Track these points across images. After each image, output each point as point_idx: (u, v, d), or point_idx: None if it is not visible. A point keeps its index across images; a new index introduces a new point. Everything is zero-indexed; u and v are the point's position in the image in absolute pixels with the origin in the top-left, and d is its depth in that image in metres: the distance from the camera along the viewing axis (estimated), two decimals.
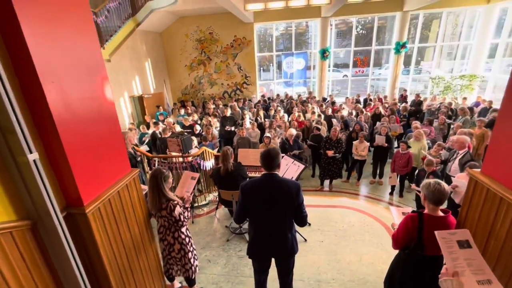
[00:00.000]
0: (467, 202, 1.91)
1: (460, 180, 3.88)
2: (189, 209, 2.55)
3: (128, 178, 2.02)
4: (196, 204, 4.66)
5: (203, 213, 4.51)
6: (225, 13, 10.57)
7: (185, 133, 4.18)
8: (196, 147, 5.69)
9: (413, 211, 2.17)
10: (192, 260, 2.52)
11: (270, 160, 2.05)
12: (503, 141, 1.58)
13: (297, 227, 2.23)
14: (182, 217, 2.37)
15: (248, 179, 3.61)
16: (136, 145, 6.25)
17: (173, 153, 4.37)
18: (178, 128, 6.96)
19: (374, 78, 12.65)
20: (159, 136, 6.13)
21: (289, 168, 3.46)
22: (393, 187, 5.90)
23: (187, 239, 2.50)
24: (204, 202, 4.80)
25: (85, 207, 1.57)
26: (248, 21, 10.67)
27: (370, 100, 9.92)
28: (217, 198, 4.66)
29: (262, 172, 2.14)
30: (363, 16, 11.18)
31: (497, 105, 8.09)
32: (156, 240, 2.53)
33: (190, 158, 4.38)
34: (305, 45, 12.48)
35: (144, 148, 6.49)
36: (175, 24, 11.40)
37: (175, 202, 2.35)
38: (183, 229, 2.47)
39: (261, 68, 13.26)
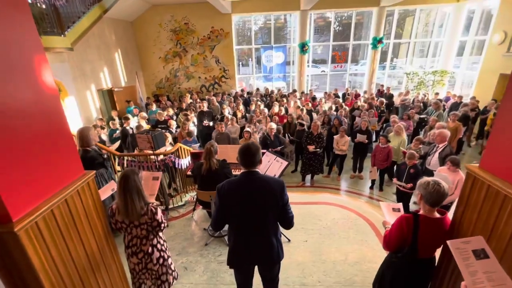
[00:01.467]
0: (463, 200, 1.78)
1: (442, 174, 3.87)
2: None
3: (80, 183, 1.67)
4: (171, 206, 4.30)
5: (179, 215, 4.16)
6: (201, 3, 10.05)
7: (158, 129, 3.79)
8: (171, 143, 5.29)
9: (408, 212, 2.02)
10: (172, 267, 2.32)
11: (249, 156, 1.79)
12: (509, 134, 1.44)
13: (281, 228, 2.01)
14: (163, 218, 2.13)
15: (233, 176, 3.34)
16: (104, 143, 5.73)
17: (146, 151, 3.96)
18: (144, 125, 6.46)
19: (351, 73, 12.79)
20: (131, 132, 5.64)
21: (271, 165, 3.23)
22: (373, 181, 5.93)
23: (165, 244, 2.28)
24: (180, 203, 4.45)
25: (14, 224, 1.22)
26: (226, 11, 10.23)
27: (348, 95, 10.01)
28: (194, 199, 4.34)
29: (241, 171, 1.88)
30: (341, 10, 11.18)
31: (465, 100, 8.49)
32: (123, 256, 2.19)
33: (161, 156, 4.00)
34: (283, 40, 12.30)
35: (114, 146, 5.96)
36: (148, 12, 10.66)
37: (154, 204, 2.09)
38: (161, 234, 2.24)
39: (240, 63, 12.90)
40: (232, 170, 3.99)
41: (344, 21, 13.67)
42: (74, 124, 7.14)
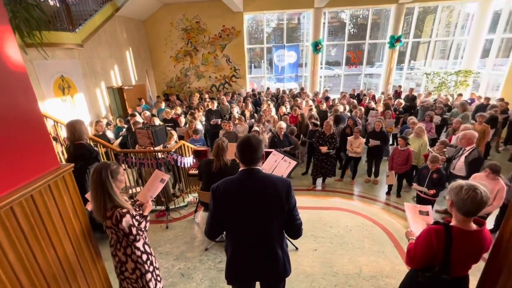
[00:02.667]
0: None
1: (480, 182, 3.46)
2: (148, 218, 1.98)
3: (53, 177, 1.44)
4: (172, 206, 4.08)
5: (180, 217, 3.94)
6: (213, 1, 9.95)
7: (160, 125, 3.59)
8: (175, 141, 5.10)
9: (437, 222, 1.68)
10: (152, 284, 1.95)
11: (250, 150, 1.51)
12: None
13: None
14: (134, 229, 1.79)
15: None
16: (109, 141, 5.61)
17: (147, 148, 3.77)
18: (157, 122, 6.33)
19: (367, 73, 12.29)
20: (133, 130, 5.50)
21: (279, 165, 2.93)
22: (390, 187, 5.50)
23: (144, 257, 1.90)
24: (182, 204, 4.22)
25: None
26: (237, 10, 10.06)
27: (364, 95, 9.56)
28: (197, 200, 4.11)
29: (240, 169, 1.60)
30: (357, 7, 10.75)
31: (492, 102, 7.87)
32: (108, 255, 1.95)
33: (161, 154, 3.79)
34: (296, 40, 11.98)
35: (116, 142, 5.84)
36: (160, 11, 10.65)
37: (124, 210, 1.75)
38: (139, 244, 1.88)
39: (252, 65, 12.67)
40: None
41: (360, 21, 13.22)
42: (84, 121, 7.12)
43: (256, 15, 11.29)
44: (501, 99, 7.47)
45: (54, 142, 4.01)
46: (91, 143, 3.69)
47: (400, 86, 10.47)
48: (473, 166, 4.01)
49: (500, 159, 6.94)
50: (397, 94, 10.00)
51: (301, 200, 4.44)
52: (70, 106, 6.77)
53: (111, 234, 1.83)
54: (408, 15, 10.54)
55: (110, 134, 6.42)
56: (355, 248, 3.15)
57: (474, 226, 1.56)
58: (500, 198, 3.41)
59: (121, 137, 6.04)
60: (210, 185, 2.86)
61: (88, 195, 1.83)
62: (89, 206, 1.87)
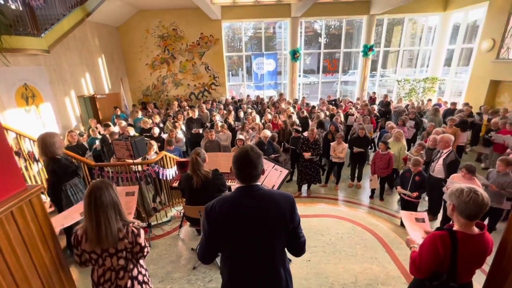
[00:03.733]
0: None
1: (458, 182, 3.60)
2: None
3: (16, 202, 1.21)
4: (154, 222, 3.80)
5: (163, 234, 3.66)
6: (190, 8, 9.80)
7: (139, 136, 3.34)
8: (156, 152, 4.82)
9: (440, 228, 1.66)
10: None
11: (248, 167, 1.36)
12: None
13: None
14: (146, 242, 1.71)
15: (227, 190, 2.89)
16: (85, 150, 5.19)
17: (125, 161, 3.48)
18: (132, 132, 5.99)
19: (343, 80, 12.74)
20: (109, 141, 5.13)
21: (269, 174, 2.83)
22: (373, 190, 5.61)
23: (147, 274, 1.84)
24: (165, 219, 3.95)
25: None
26: (215, 17, 10.00)
27: (341, 101, 9.87)
28: (181, 214, 3.86)
29: (236, 185, 1.46)
30: (332, 18, 11.19)
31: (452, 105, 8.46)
32: None
33: (142, 167, 3.53)
34: (273, 50, 12.17)
35: (88, 155, 5.42)
36: (135, 17, 10.29)
37: (135, 224, 1.65)
38: (142, 261, 1.79)
39: (230, 73, 12.62)
40: (226, 181, 3.57)
41: (331, 31, 13.76)
42: None
43: (233, 24, 11.31)
44: (466, 104, 8.04)
45: (16, 158, 3.59)
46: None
47: (374, 93, 10.94)
48: (451, 168, 4.20)
49: (467, 159, 7.41)
50: (372, 100, 10.43)
51: None
52: (34, 117, 6.20)
53: (118, 260, 1.61)
54: (378, 25, 11.15)
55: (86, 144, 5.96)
56: (349, 256, 3.10)
57: (476, 230, 1.56)
58: None
59: (91, 150, 5.61)
60: (194, 200, 2.72)
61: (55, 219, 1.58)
62: (57, 229, 1.63)
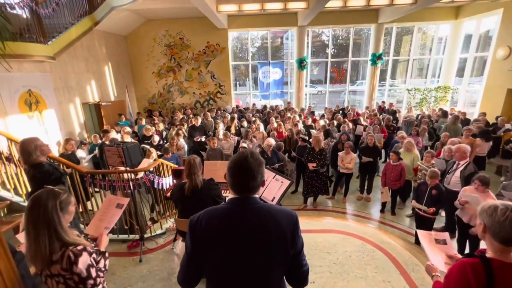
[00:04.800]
0: None
1: (471, 194, 3.25)
2: (106, 255, 1.55)
3: None
4: (148, 235, 3.56)
5: (157, 247, 3.42)
6: (197, 17, 9.87)
7: (133, 141, 3.16)
8: (155, 159, 4.65)
9: (470, 255, 1.37)
10: None
11: (246, 176, 1.13)
12: None
13: None
14: (93, 271, 1.38)
15: (223, 202, 2.65)
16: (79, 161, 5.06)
17: (117, 168, 3.30)
18: (128, 139, 5.86)
19: (350, 90, 12.49)
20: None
21: (270, 185, 2.58)
22: (384, 204, 5.25)
23: None
24: (159, 231, 3.71)
25: None
26: (222, 26, 10.02)
27: (348, 110, 9.59)
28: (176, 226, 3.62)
29: (230, 196, 1.22)
30: (340, 26, 11.06)
31: (469, 116, 8.09)
32: None
33: (140, 174, 3.34)
34: (280, 60, 12.13)
35: (86, 164, 5.29)
36: (142, 27, 10.42)
37: (79, 247, 1.35)
38: None
39: (237, 83, 12.60)
40: (223, 192, 3.33)
41: (339, 42, 13.66)
42: (53, 140, 6.51)
43: (241, 34, 11.33)
44: (483, 113, 7.65)
45: (7, 163, 3.46)
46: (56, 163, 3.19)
47: (383, 102, 10.64)
48: (470, 181, 3.85)
49: (486, 172, 6.96)
50: (381, 110, 10.12)
51: None
52: (37, 123, 6.17)
53: (56, 285, 1.37)
54: (386, 35, 10.96)
55: (81, 153, 5.86)
56: (358, 278, 2.77)
57: None
58: None
59: (92, 156, 5.49)
60: (187, 211, 2.42)
61: (20, 236, 1.38)
62: (23, 247, 1.42)
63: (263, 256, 1.12)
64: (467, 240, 3.52)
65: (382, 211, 5.23)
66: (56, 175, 2.61)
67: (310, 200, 5.57)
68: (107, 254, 1.56)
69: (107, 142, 5.08)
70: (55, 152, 6.36)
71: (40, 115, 6.27)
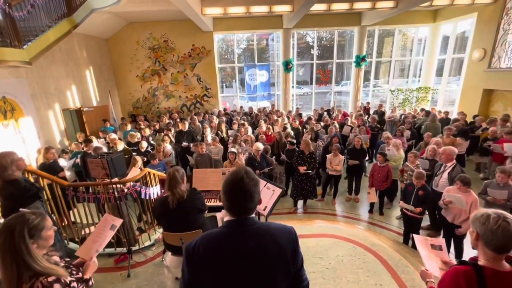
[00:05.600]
0: None
1: (455, 195, 3.35)
2: (90, 282, 1.46)
3: None
4: (135, 248, 3.44)
5: (146, 260, 3.30)
6: (181, 20, 9.71)
7: (117, 152, 3.04)
8: (140, 169, 4.50)
9: (463, 262, 1.39)
10: None
11: (243, 198, 1.10)
12: None
13: None
14: None
15: (206, 211, 2.58)
16: (60, 170, 4.82)
17: (100, 180, 3.16)
18: (121, 146, 5.67)
19: (336, 91, 12.71)
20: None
21: (261, 194, 2.54)
22: (372, 204, 5.34)
23: None
24: (148, 243, 3.59)
25: None
26: (207, 29, 9.92)
27: (334, 112, 9.74)
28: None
29: (226, 218, 1.18)
30: (324, 29, 11.23)
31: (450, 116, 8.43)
32: None
33: (127, 184, 3.21)
34: (266, 62, 12.17)
35: (69, 173, 5.06)
36: (124, 29, 10.13)
37: (51, 278, 1.25)
38: None
39: (224, 84, 12.52)
40: (213, 200, 3.28)
41: (323, 43, 13.89)
42: (31, 148, 6.19)
43: (225, 36, 11.27)
44: (461, 112, 7.97)
45: None
46: (31, 178, 3.01)
47: (368, 103, 10.88)
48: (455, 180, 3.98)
49: (466, 169, 7.25)
50: (366, 110, 10.35)
51: None
52: (13, 132, 5.84)
53: None
54: (369, 37, 11.24)
55: (63, 162, 5.60)
56: (350, 283, 2.79)
57: (507, 266, 1.30)
58: (474, 210, 3.33)
59: (73, 165, 5.26)
60: (173, 225, 2.32)
61: None
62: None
63: (265, 278, 1.10)
64: (452, 239, 3.62)
65: (370, 211, 5.33)
66: (33, 191, 2.46)
67: (300, 202, 5.59)
68: (91, 282, 1.47)
69: (90, 152, 4.86)
70: (33, 161, 6.06)
71: (16, 123, 5.94)
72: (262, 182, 2.63)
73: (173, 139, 6.91)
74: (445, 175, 3.96)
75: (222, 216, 2.44)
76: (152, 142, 6.97)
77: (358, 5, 8.42)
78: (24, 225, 1.23)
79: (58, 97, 7.42)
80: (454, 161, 3.97)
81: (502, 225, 1.23)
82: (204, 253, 1.09)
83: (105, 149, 5.99)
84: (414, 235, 1.95)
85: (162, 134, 7.09)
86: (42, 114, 6.80)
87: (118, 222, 1.82)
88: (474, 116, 7.65)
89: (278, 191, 2.48)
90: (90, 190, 3.25)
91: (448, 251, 3.75)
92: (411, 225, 3.98)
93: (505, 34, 7.81)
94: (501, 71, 7.89)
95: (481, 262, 1.32)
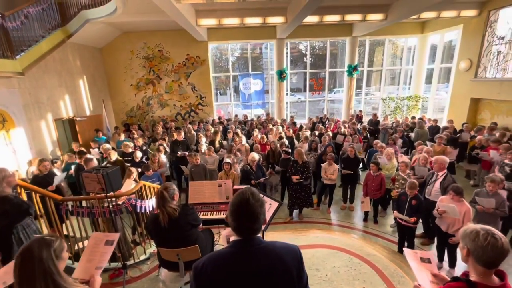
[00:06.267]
0: None
1: (449, 205, 3.43)
2: None
3: None
4: (130, 262, 3.39)
5: (141, 274, 3.26)
6: (176, 30, 9.78)
7: (113, 167, 3.02)
8: (135, 180, 4.47)
9: (456, 279, 1.44)
10: None
11: (250, 218, 1.14)
12: None
13: None
14: None
15: (201, 224, 2.57)
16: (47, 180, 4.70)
17: (95, 195, 3.13)
18: (114, 156, 5.63)
19: (329, 99, 12.92)
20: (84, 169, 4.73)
21: None
22: (366, 213, 5.40)
23: None
24: (143, 257, 3.54)
25: None
26: (201, 39, 10.02)
27: (327, 120, 9.87)
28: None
29: (233, 238, 1.21)
30: (317, 39, 11.49)
31: (439, 123, 8.67)
32: None
33: (121, 199, 3.19)
34: (260, 70, 12.35)
35: (62, 183, 4.97)
36: (119, 39, 10.16)
37: None
38: None
39: (218, 92, 12.61)
40: (210, 213, 3.27)
41: (316, 52, 14.20)
42: (22, 159, 6.08)
43: (220, 45, 11.40)
44: (450, 121, 8.20)
45: None
46: (24, 193, 2.97)
47: (361, 111, 11.08)
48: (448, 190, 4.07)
49: (457, 177, 7.40)
50: (358, 119, 10.52)
51: (281, 238, 4.04)
52: (4, 143, 5.74)
53: None
54: (360, 46, 11.54)
55: (57, 173, 5.50)
56: None
57: (497, 280, 1.35)
58: (468, 220, 3.42)
59: (66, 176, 5.19)
60: (166, 242, 2.33)
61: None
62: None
63: None
64: (445, 248, 3.69)
65: (365, 220, 5.38)
66: (24, 207, 2.43)
67: (296, 212, 5.60)
68: None
69: (83, 164, 4.80)
70: (24, 172, 5.94)
71: (7, 134, 5.84)
72: None
73: (167, 149, 6.88)
74: (437, 184, 4.05)
75: (228, 235, 2.44)
76: (146, 149, 6.94)
77: (349, 17, 8.67)
78: (50, 247, 1.25)
79: (50, 107, 7.34)
80: (446, 170, 4.07)
81: (491, 242, 1.28)
82: (211, 273, 1.12)
83: (96, 160, 5.93)
84: (404, 249, 2.00)
85: (157, 144, 7.06)
86: (34, 125, 6.71)
87: (114, 236, 1.81)
88: (463, 124, 7.88)
89: (275, 204, 2.50)
90: (84, 204, 3.21)
91: (442, 259, 3.84)
92: (405, 234, 4.04)
93: (490, 45, 8.13)
94: (487, 80, 8.17)
95: (472, 277, 1.37)
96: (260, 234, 1.22)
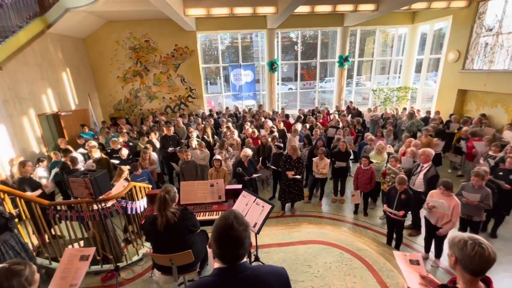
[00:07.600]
0: None
1: (438, 200, 3.53)
2: None
3: None
4: (123, 264, 3.36)
5: (134, 276, 3.24)
6: (163, 19, 9.41)
7: (98, 169, 2.93)
8: (126, 179, 4.39)
9: (443, 286, 1.48)
10: None
11: (234, 244, 1.10)
12: None
13: None
14: None
15: (198, 230, 2.55)
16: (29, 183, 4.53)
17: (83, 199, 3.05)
18: (97, 154, 5.48)
19: (320, 89, 12.89)
20: (69, 168, 4.61)
21: (251, 210, 2.56)
22: (356, 206, 5.52)
23: None
24: (135, 258, 3.52)
25: None
26: (190, 29, 9.71)
27: (319, 112, 9.84)
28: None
29: (216, 265, 1.17)
30: (308, 29, 11.33)
31: (423, 113, 8.85)
32: None
33: (109, 203, 3.12)
34: (251, 59, 12.12)
35: (36, 193, 4.79)
36: (103, 28, 9.71)
37: None
38: None
39: (208, 82, 12.36)
40: (202, 214, 3.25)
41: (307, 41, 14.03)
42: (4, 158, 5.84)
43: (209, 34, 11.09)
44: (438, 112, 8.34)
45: None
46: (7, 199, 2.86)
47: (351, 102, 11.11)
48: (431, 183, 4.21)
49: (444, 167, 7.62)
50: (349, 110, 10.53)
51: (273, 235, 4.10)
52: None
53: None
54: (352, 35, 11.45)
55: (41, 172, 5.33)
56: None
57: (483, 286, 1.39)
58: (456, 214, 3.55)
59: (53, 175, 5.05)
60: (162, 247, 2.31)
61: None
62: None
63: None
64: (433, 239, 3.83)
65: (355, 212, 5.50)
66: (1, 222, 2.32)
67: (288, 206, 5.66)
68: None
69: (68, 163, 4.66)
70: (8, 171, 5.73)
71: None
72: (251, 198, 2.65)
73: (157, 144, 6.75)
74: (421, 175, 4.16)
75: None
76: (130, 144, 6.78)
77: (340, 7, 8.54)
78: (20, 277, 1.19)
79: (32, 101, 7.02)
80: (431, 162, 4.17)
81: (479, 251, 1.31)
82: None
83: (82, 158, 5.75)
84: (393, 251, 2.05)
85: (146, 138, 6.92)
86: (16, 121, 6.43)
87: (88, 251, 1.76)
88: (450, 115, 8.04)
89: (268, 207, 2.50)
90: (73, 209, 3.13)
91: (429, 250, 3.99)
92: (394, 227, 4.16)
93: (478, 37, 8.21)
94: (474, 72, 8.31)
95: (459, 285, 1.41)
96: (245, 259, 1.18)
